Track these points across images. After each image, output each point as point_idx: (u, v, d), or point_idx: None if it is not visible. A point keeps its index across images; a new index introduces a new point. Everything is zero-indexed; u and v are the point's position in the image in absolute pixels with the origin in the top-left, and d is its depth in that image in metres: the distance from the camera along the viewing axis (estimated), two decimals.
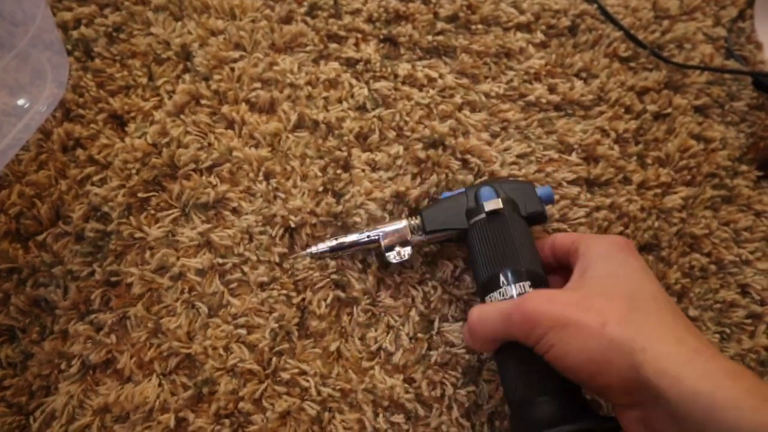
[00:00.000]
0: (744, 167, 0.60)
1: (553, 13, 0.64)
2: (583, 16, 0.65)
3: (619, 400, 0.37)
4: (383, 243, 0.47)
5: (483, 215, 0.45)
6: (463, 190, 0.48)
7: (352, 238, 0.48)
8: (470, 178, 0.53)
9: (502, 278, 0.42)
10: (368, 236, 0.48)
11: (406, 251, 0.47)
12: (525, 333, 0.38)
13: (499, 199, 0.46)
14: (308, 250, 0.49)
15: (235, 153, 0.53)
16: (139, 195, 0.52)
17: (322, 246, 0.48)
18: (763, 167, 0.61)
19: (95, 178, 0.53)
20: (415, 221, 0.48)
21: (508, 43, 0.61)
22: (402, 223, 0.48)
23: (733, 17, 0.70)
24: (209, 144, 0.53)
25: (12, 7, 0.56)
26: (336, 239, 0.49)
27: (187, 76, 0.57)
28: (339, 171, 0.53)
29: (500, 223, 0.45)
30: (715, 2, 0.71)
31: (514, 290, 0.41)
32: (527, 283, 0.41)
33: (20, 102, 0.57)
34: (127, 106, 0.55)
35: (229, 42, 0.58)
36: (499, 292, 0.42)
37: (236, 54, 0.58)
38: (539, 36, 0.62)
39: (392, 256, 0.47)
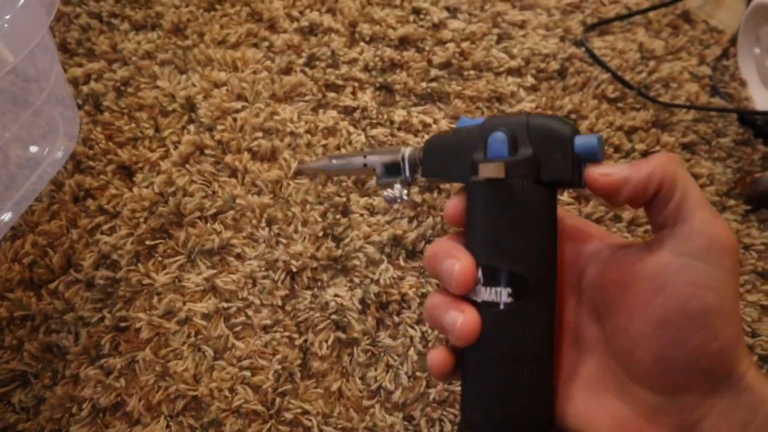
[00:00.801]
0: (732, 202, 0.62)
1: (543, 57, 0.67)
2: (571, 59, 0.67)
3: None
4: (378, 175, 0.39)
5: (481, 178, 0.34)
6: (480, 120, 0.35)
7: (345, 161, 0.41)
8: None
9: (479, 273, 0.33)
10: (364, 164, 0.40)
11: (403, 193, 0.38)
12: None
13: (503, 164, 0.33)
14: (302, 166, 0.43)
15: (238, 200, 0.55)
16: (147, 242, 0.54)
17: (313, 165, 0.42)
18: (751, 201, 0.63)
19: (105, 227, 0.55)
20: (415, 154, 0.38)
21: (500, 88, 0.63)
22: (399, 153, 0.38)
23: (717, 56, 0.72)
24: (213, 192, 0.56)
25: (25, 64, 0.59)
26: (330, 158, 0.41)
27: (191, 127, 0.59)
28: (338, 216, 0.55)
29: (500, 196, 0.33)
30: (699, 42, 0.73)
31: (485, 294, 0.33)
32: (506, 290, 0.33)
33: (34, 155, 0.59)
34: (134, 157, 0.58)
35: (231, 93, 0.61)
36: (474, 288, 0.34)
37: (238, 105, 0.60)
38: (530, 80, 0.65)
39: (386, 194, 0.39)
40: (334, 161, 0.41)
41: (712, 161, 0.64)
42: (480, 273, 0.33)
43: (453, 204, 0.35)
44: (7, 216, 0.56)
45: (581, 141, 0.33)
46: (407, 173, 0.38)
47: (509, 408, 0.33)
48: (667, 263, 0.30)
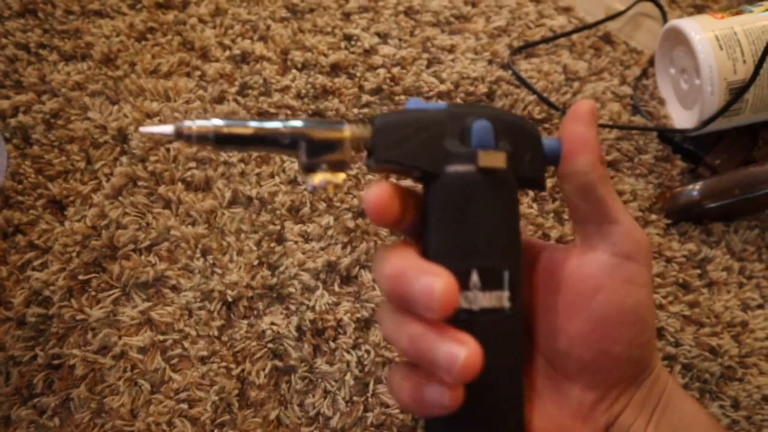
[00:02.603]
0: (654, 216, 0.65)
1: (471, 81, 0.69)
2: (499, 82, 0.70)
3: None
4: (303, 157, 0.30)
5: (472, 168, 0.30)
6: (443, 105, 0.31)
7: (256, 124, 0.30)
8: None
9: (474, 278, 0.30)
10: (287, 139, 0.30)
11: (336, 179, 0.30)
12: None
13: (503, 154, 0.31)
14: (177, 125, 0.29)
15: (172, 232, 0.55)
16: (80, 277, 0.54)
17: (204, 125, 0.29)
18: (671, 215, 0.66)
19: (36, 263, 0.54)
20: (363, 132, 0.31)
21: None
22: (342, 130, 0.30)
23: (637, 76, 0.76)
24: (147, 224, 0.56)
25: None
26: (228, 123, 0.29)
27: (124, 159, 0.59)
28: (273, 244, 0.56)
29: (495, 189, 0.30)
30: (620, 63, 0.77)
31: (485, 300, 0.30)
32: (506, 294, 0.30)
33: None
34: (65, 190, 0.57)
35: (164, 124, 0.61)
36: (464, 296, 0.30)
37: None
38: (459, 102, 0.67)
39: (311, 182, 0.30)
40: (228, 130, 0.29)
41: (635, 177, 0.68)
42: (476, 276, 0.30)
43: (383, 192, 0.29)
44: None
45: (548, 143, 0.32)
46: (348, 156, 0.30)
47: (504, 424, 0.31)
48: (602, 263, 0.32)
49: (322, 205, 0.58)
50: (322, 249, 0.56)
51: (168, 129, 0.28)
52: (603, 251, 0.32)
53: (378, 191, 0.30)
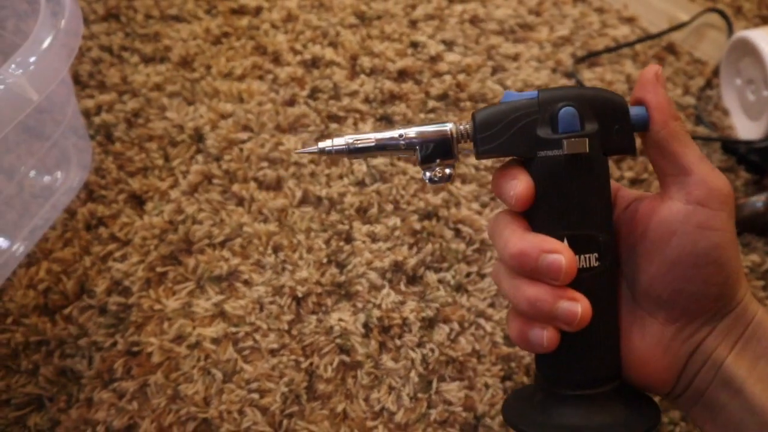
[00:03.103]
0: None
1: (536, 88, 0.70)
2: None
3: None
4: (419, 155, 0.36)
5: (558, 152, 0.35)
6: (534, 94, 0.36)
7: (378, 136, 0.37)
8: (462, 246, 0.58)
9: (565, 243, 0.35)
10: (403, 143, 0.36)
11: (448, 170, 0.37)
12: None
13: (586, 140, 0.35)
14: (321, 146, 0.37)
15: (245, 228, 0.58)
16: (158, 269, 0.56)
17: (339, 142, 0.37)
18: (735, 226, 0.65)
19: (117, 254, 0.57)
20: (465, 126, 0.36)
21: None
22: (446, 128, 0.36)
23: (701, 86, 0.75)
24: (221, 220, 0.58)
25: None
26: (357, 138, 0.37)
27: (199, 157, 0.62)
28: (341, 243, 0.57)
29: (580, 170, 0.35)
30: (684, 73, 0.76)
31: (578, 262, 0.35)
32: (594, 255, 0.36)
33: (48, 184, 0.62)
34: (145, 186, 0.60)
35: (237, 124, 0.64)
36: None
37: (244, 135, 0.63)
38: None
39: (427, 175, 0.37)
40: (358, 143, 0.36)
41: None
42: (566, 242, 0.35)
43: (525, 184, 0.35)
44: (22, 245, 0.58)
45: (635, 112, 0.36)
46: (455, 151, 0.36)
47: (602, 360, 0.37)
48: (676, 210, 0.35)
49: (389, 207, 0.60)
50: (389, 249, 0.57)
51: (315, 149, 0.37)
52: (678, 200, 0.35)
53: (524, 189, 0.35)
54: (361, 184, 0.61)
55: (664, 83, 0.37)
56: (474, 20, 0.75)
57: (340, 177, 0.61)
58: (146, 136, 0.63)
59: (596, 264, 0.36)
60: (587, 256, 0.36)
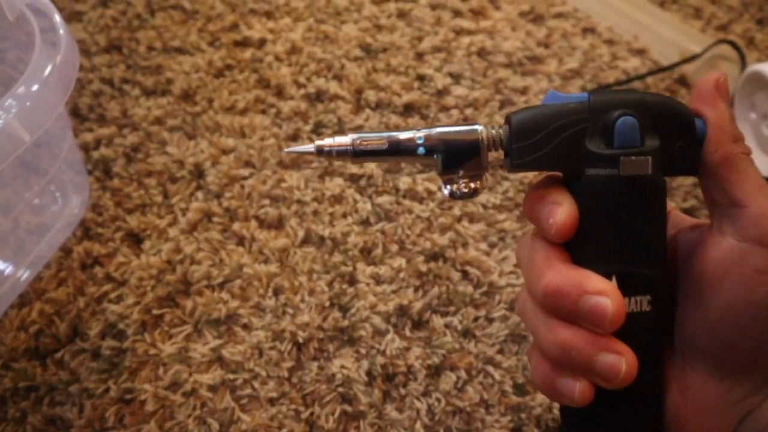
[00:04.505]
0: None
1: None
2: None
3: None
4: (440, 164, 0.30)
5: (612, 171, 0.29)
6: (585, 96, 0.30)
7: (391, 136, 0.30)
8: (470, 289, 0.56)
9: (614, 282, 0.30)
10: (422, 146, 0.30)
11: (474, 184, 0.30)
12: None
13: (649, 159, 0.29)
14: (319, 144, 0.31)
15: (245, 269, 0.56)
16: (154, 312, 0.54)
17: (342, 141, 0.30)
18: None
19: (112, 296, 0.55)
20: (498, 133, 0.30)
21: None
22: (476, 133, 0.30)
23: None
24: (221, 260, 0.56)
25: None
26: (364, 137, 0.30)
27: (199, 194, 0.60)
28: (345, 285, 0.55)
29: (638, 195, 0.29)
30: None
31: (627, 306, 0.30)
32: (646, 299, 0.30)
33: (43, 221, 0.60)
34: (143, 224, 0.58)
35: (239, 160, 0.62)
36: None
37: (246, 172, 0.61)
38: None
39: (448, 189, 0.31)
40: (366, 144, 0.30)
41: None
42: (615, 280, 0.30)
43: (568, 211, 0.29)
44: (15, 284, 0.56)
45: (700, 125, 0.30)
46: (485, 160, 0.29)
47: (640, 420, 0.32)
48: (729, 248, 0.30)
49: (394, 247, 0.58)
50: (394, 292, 0.55)
51: (310, 147, 0.31)
52: (730, 235, 0.30)
53: (567, 217, 0.30)
54: (365, 223, 0.59)
55: (727, 94, 0.30)
56: (481, 53, 0.74)
57: (344, 216, 0.59)
58: (145, 171, 0.61)
59: (647, 308, 0.30)
60: (638, 299, 0.30)
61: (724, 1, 0.85)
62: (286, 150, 0.32)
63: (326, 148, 0.30)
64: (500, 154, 0.30)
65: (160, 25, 0.74)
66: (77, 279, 0.56)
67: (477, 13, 0.78)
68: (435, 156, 0.30)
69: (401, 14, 0.77)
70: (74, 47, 0.48)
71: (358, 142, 0.30)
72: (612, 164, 0.29)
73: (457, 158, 0.30)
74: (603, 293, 0.28)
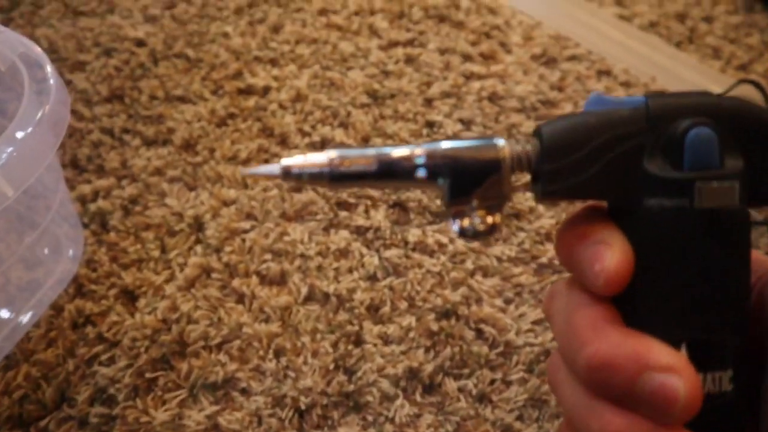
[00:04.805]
0: None
1: None
2: None
3: None
4: (447, 190, 0.23)
5: (682, 202, 0.22)
6: (640, 100, 0.23)
7: (381, 154, 0.23)
8: (485, 349, 0.52)
9: (683, 352, 0.22)
10: (422, 167, 0.23)
11: (489, 221, 0.23)
12: None
13: (736, 185, 0.21)
14: (285, 164, 0.23)
15: (245, 329, 0.52)
16: (147, 375, 0.51)
17: (317, 160, 0.23)
18: None
19: (103, 357, 0.52)
20: (525, 149, 0.23)
21: (518, 203, 0.61)
22: (496, 149, 0.23)
23: None
24: (219, 319, 0.53)
25: (32, 182, 0.58)
26: (346, 155, 0.23)
27: (198, 248, 0.57)
28: (350, 346, 0.52)
29: (718, 235, 0.22)
30: None
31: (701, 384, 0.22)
32: (727, 375, 0.22)
33: (35, 277, 0.57)
34: (138, 280, 0.55)
35: (240, 212, 0.59)
36: None
37: (247, 224, 0.58)
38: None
39: (457, 225, 0.23)
40: (347, 165, 0.23)
41: None
42: (685, 350, 0.22)
43: (620, 255, 0.22)
44: (3, 344, 0.53)
45: None
46: (507, 186, 0.22)
47: None
48: None
49: (403, 304, 0.54)
50: (403, 353, 0.52)
51: (274, 169, 0.24)
52: None
53: (619, 263, 0.22)
54: (372, 278, 0.55)
55: None
56: (493, 97, 0.71)
57: (350, 271, 0.56)
58: (143, 224, 0.59)
59: (729, 388, 0.22)
60: (717, 375, 0.22)
61: (743, 40, 0.83)
62: (243, 172, 0.27)
63: (295, 170, 0.23)
64: (525, 176, 0.23)
65: (163, 74, 0.73)
66: (67, 339, 0.53)
67: (487, 57, 0.76)
68: (440, 181, 0.22)
69: (409, 59, 0.75)
70: (65, 98, 0.46)
71: (337, 161, 0.23)
72: (682, 193, 0.21)
73: (471, 183, 0.22)
74: (671, 369, 0.21)
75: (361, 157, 0.23)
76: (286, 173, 0.23)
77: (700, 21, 0.82)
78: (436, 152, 0.23)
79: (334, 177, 0.23)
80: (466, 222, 0.23)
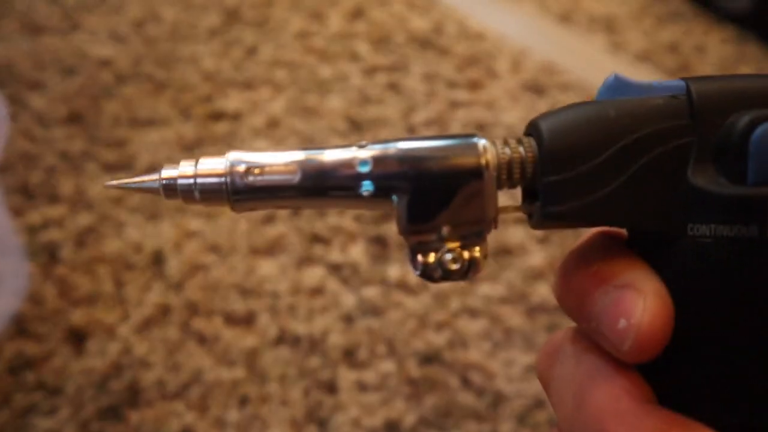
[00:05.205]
0: None
1: None
2: None
3: None
4: (404, 212, 0.16)
5: (752, 232, 0.15)
6: (678, 85, 0.16)
7: (308, 158, 0.16)
8: (471, 399, 0.47)
9: None
10: (367, 185, 0.16)
11: (466, 256, 0.17)
12: None
13: None
14: (166, 174, 0.17)
15: (206, 375, 0.47)
16: (92, 427, 0.45)
17: (212, 167, 0.16)
18: None
19: (43, 407, 0.46)
20: (516, 152, 0.16)
21: (508, 239, 0.57)
22: (475, 152, 0.16)
23: None
24: (177, 364, 0.48)
25: None
26: (256, 161, 0.16)
27: (157, 284, 0.52)
28: (323, 394, 0.47)
29: None
30: None
31: None
32: None
33: None
34: (88, 319, 0.50)
35: (205, 245, 0.54)
36: None
37: (212, 258, 0.53)
38: (539, 231, 0.59)
39: (420, 261, 0.17)
40: (257, 176, 0.16)
41: None
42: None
43: (655, 305, 0.16)
44: None
45: None
46: (491, 206, 0.16)
47: None
48: None
49: (382, 348, 0.49)
50: (382, 403, 0.47)
51: (152, 181, 0.17)
52: None
53: (655, 318, 0.16)
54: (348, 319, 0.51)
55: None
56: (480, 126, 0.68)
57: (324, 310, 0.51)
58: (97, 257, 0.54)
59: None
60: None
61: (736, 70, 0.81)
62: (109, 184, 0.18)
63: (181, 182, 0.16)
64: (517, 192, 0.17)
65: (127, 95, 0.68)
66: (4, 384, 0.47)
67: (474, 84, 0.73)
68: (394, 199, 0.16)
69: (391, 86, 0.72)
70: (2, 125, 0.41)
71: (242, 169, 0.16)
72: (747, 217, 0.15)
73: (438, 202, 0.16)
74: None
75: (278, 163, 0.16)
76: (169, 189, 0.17)
77: (693, 50, 0.80)
78: (387, 156, 0.16)
79: (237, 192, 0.16)
80: (431, 257, 0.16)
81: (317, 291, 0.52)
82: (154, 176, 0.17)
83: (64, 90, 0.68)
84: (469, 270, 0.16)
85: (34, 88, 0.69)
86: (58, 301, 0.51)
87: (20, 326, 0.50)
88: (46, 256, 0.54)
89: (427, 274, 0.16)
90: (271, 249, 0.55)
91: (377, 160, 0.16)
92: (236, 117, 0.65)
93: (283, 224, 0.56)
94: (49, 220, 0.56)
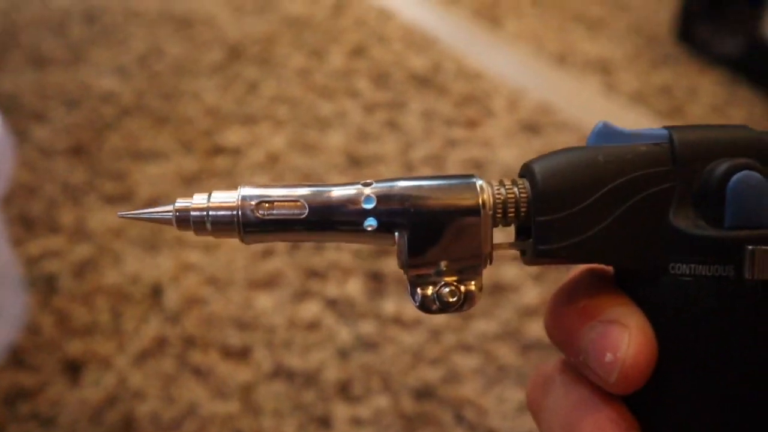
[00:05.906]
0: None
1: None
2: None
3: None
4: (405, 247, 0.17)
5: (728, 272, 0.17)
6: (661, 133, 0.18)
7: (316, 194, 0.18)
8: None
9: None
10: (371, 221, 0.17)
11: (462, 289, 0.18)
12: None
13: None
14: (180, 205, 0.18)
15: (200, 408, 0.47)
16: None
17: (223, 200, 0.17)
18: None
19: None
20: (512, 193, 0.17)
21: (502, 277, 0.58)
22: (473, 193, 0.17)
23: None
24: (171, 397, 0.48)
25: None
26: (266, 194, 0.17)
27: (154, 317, 0.52)
28: (317, 429, 0.47)
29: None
30: None
31: None
32: None
33: None
34: (84, 350, 0.50)
35: (202, 278, 0.55)
36: None
37: (209, 291, 0.54)
38: (534, 267, 0.60)
39: (419, 294, 0.18)
40: (267, 211, 0.17)
41: None
42: None
43: (639, 339, 0.17)
44: None
45: None
46: (486, 243, 0.17)
47: None
48: None
49: (377, 384, 0.49)
50: None
51: (166, 212, 0.18)
52: None
53: (639, 351, 0.17)
54: (343, 354, 0.51)
55: None
56: (477, 163, 0.69)
57: (320, 344, 0.51)
58: (95, 288, 0.54)
59: None
60: None
61: (728, 112, 0.82)
62: (122, 214, 0.19)
63: (195, 214, 0.17)
64: (511, 230, 0.18)
65: (129, 129, 0.69)
66: None
67: (471, 122, 0.74)
68: (396, 234, 0.17)
69: (390, 123, 0.73)
70: (6, 148, 0.42)
71: (253, 203, 0.17)
72: (725, 258, 0.16)
73: (437, 238, 0.17)
74: None
75: (288, 198, 0.17)
76: (182, 219, 0.18)
77: (685, 93, 0.81)
78: (391, 194, 0.17)
79: (248, 225, 0.17)
80: (429, 290, 0.18)
81: (313, 325, 0.52)
82: (168, 207, 0.18)
83: (67, 122, 0.69)
84: (465, 303, 0.18)
85: (38, 120, 0.70)
86: (55, 332, 0.51)
87: (16, 356, 0.50)
88: (44, 286, 0.55)
89: (426, 306, 0.18)
90: (269, 283, 0.55)
91: (381, 198, 0.17)
92: (237, 151, 0.66)
93: (281, 259, 0.56)
94: (48, 251, 0.57)
